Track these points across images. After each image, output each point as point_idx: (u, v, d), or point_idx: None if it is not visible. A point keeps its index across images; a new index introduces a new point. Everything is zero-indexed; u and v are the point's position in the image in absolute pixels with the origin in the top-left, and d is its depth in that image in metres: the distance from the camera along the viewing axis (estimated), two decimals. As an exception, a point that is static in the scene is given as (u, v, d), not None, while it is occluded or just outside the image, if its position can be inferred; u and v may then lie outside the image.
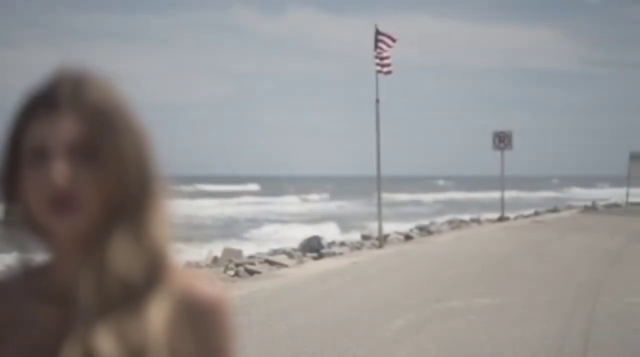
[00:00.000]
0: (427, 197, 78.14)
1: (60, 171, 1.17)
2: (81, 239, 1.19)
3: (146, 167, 1.22)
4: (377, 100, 19.56)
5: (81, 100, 1.20)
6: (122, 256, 1.19)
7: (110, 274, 1.18)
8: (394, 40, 19.29)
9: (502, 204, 30.24)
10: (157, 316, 1.19)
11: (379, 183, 19.47)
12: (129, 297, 1.18)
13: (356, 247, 20.37)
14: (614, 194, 63.93)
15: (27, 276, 1.26)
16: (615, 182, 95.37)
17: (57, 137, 1.18)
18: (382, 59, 19.26)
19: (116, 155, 1.19)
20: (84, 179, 1.17)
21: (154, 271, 1.21)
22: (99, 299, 1.17)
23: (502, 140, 30.02)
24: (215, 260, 17.68)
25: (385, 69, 19.38)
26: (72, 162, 1.18)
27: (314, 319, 9.55)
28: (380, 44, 19.20)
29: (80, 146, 1.18)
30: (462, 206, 58.05)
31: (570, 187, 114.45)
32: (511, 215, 32.88)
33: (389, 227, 27.89)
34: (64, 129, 1.19)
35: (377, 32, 19.29)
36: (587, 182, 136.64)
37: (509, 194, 43.83)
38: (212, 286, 1.27)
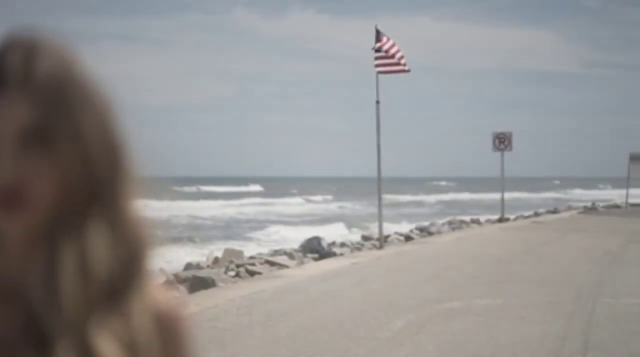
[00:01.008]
0: (429, 198, 78.24)
1: (5, 165, 1.02)
2: (35, 234, 1.06)
3: (114, 148, 1.08)
4: (378, 102, 19.57)
5: (33, 76, 1.04)
6: (99, 249, 1.07)
7: (89, 270, 1.06)
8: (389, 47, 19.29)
9: (502, 205, 30.28)
10: (141, 312, 1.10)
11: (379, 184, 19.50)
12: (110, 294, 1.07)
13: (356, 247, 20.40)
14: (616, 195, 63.96)
15: None
16: (617, 183, 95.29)
17: (4, 123, 1.03)
18: (397, 58, 19.25)
19: (77, 137, 1.05)
20: (37, 169, 1.03)
21: (134, 262, 1.10)
22: (80, 297, 1.05)
23: (502, 141, 30.05)
24: (216, 260, 17.72)
25: (404, 67, 19.43)
26: (23, 151, 1.03)
27: (315, 319, 9.58)
28: (386, 44, 19.19)
29: (32, 131, 1.03)
30: (463, 206, 58.10)
31: (571, 188, 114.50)
32: (511, 216, 32.93)
33: (391, 228, 27.97)
34: (12, 113, 1.03)
35: (378, 33, 19.30)
36: (589, 183, 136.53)
37: (510, 195, 43.85)
38: (172, 298, 1.18)
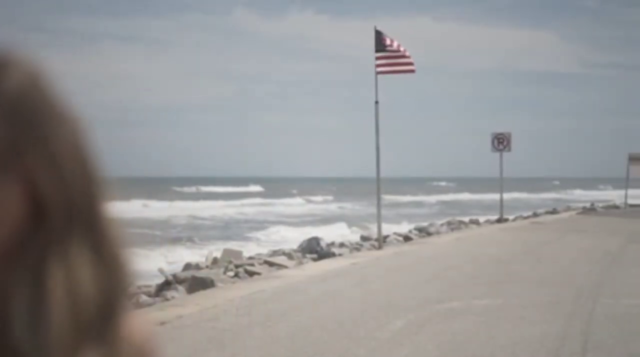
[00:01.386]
0: (429, 198, 78.38)
1: None
2: (8, 256, 1.02)
3: (86, 163, 1.05)
4: (377, 102, 19.55)
5: (1, 93, 1.01)
6: (85, 272, 1.03)
7: (78, 293, 1.02)
8: (390, 44, 19.25)
9: (501, 205, 30.29)
10: (124, 338, 1.07)
11: (378, 184, 19.50)
12: (96, 319, 1.04)
13: (355, 248, 20.40)
14: (616, 196, 64.03)
15: None
16: (617, 184, 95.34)
17: None
18: (407, 56, 19.23)
19: (48, 154, 1.02)
20: (3, 188, 0.99)
21: (117, 285, 1.06)
22: (69, 323, 1.01)
23: (501, 141, 30.06)
24: (215, 261, 17.72)
25: (412, 67, 19.41)
26: None
27: (314, 319, 9.58)
28: (393, 44, 19.15)
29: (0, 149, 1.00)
30: (462, 207, 58.17)
31: (571, 188, 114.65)
32: (510, 216, 32.94)
33: (392, 228, 27.98)
34: None
35: (378, 34, 19.27)
36: (589, 184, 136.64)
37: (509, 196, 43.87)
38: (145, 323, 1.15)
